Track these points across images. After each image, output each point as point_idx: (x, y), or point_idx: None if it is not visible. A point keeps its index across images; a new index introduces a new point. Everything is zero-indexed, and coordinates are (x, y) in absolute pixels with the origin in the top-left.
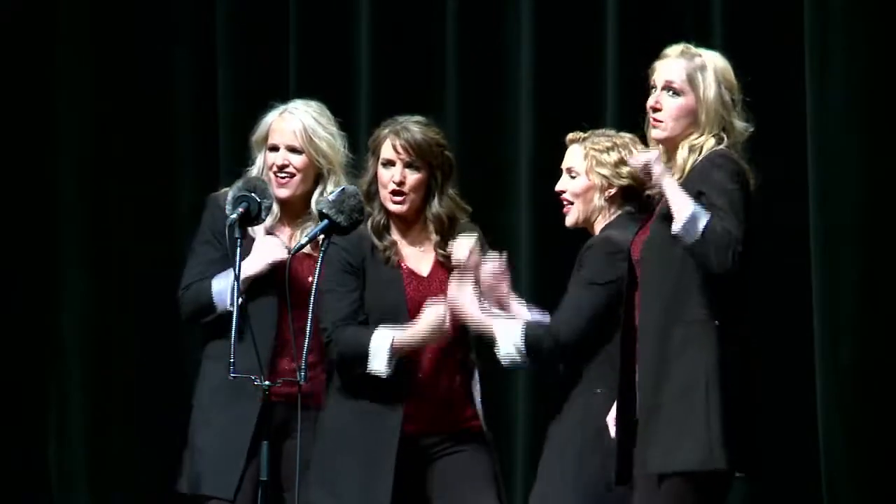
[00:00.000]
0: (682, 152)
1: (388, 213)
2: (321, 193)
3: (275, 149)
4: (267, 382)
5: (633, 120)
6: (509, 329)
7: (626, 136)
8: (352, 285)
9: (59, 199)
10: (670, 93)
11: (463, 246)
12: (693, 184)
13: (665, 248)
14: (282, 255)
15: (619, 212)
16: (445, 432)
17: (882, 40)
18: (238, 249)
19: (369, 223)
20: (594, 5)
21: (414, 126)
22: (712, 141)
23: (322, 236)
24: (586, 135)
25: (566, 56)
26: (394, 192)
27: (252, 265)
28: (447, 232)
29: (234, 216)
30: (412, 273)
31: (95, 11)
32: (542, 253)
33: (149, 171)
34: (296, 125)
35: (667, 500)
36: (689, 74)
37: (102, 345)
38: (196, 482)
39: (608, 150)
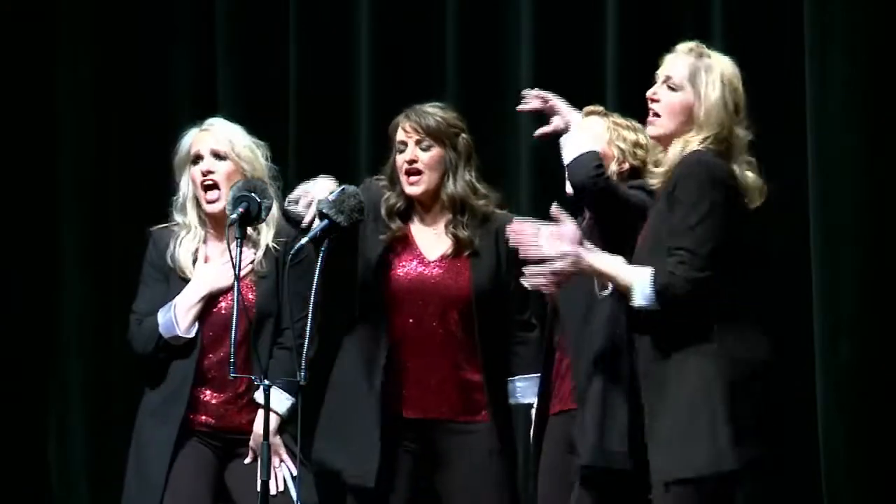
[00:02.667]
0: (673, 149)
1: (407, 198)
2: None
3: (199, 158)
4: (267, 382)
5: (634, 119)
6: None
7: (637, 123)
8: None
9: (59, 199)
10: (668, 87)
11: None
12: (668, 191)
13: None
14: (226, 283)
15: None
16: (452, 421)
17: (882, 40)
18: (239, 250)
19: (387, 201)
20: (594, 5)
21: (428, 108)
22: (707, 142)
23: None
24: (604, 111)
25: (566, 56)
26: (408, 172)
27: (192, 294)
28: (462, 215)
29: (235, 216)
30: (419, 256)
31: (95, 11)
32: None
33: (149, 171)
34: (217, 133)
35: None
36: (691, 72)
37: (102, 345)
38: None
39: (628, 128)
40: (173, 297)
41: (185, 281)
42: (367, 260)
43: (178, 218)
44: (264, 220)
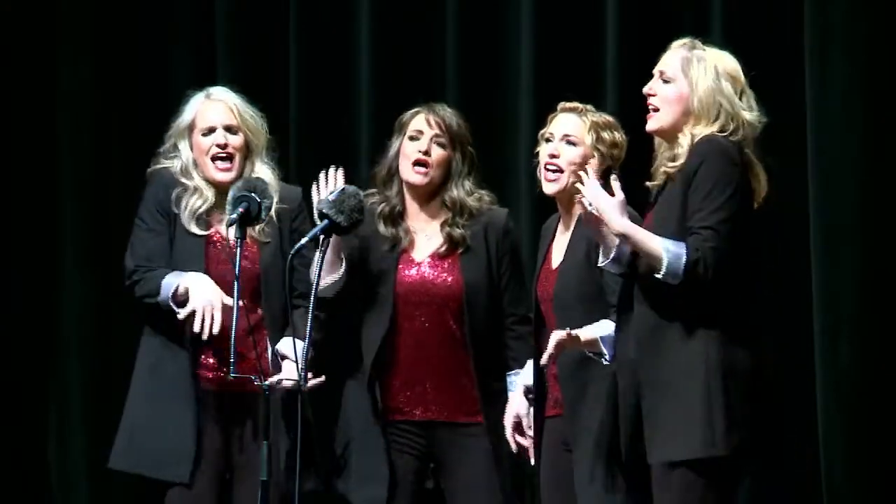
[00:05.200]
0: (683, 140)
1: (403, 197)
2: (250, 173)
3: (211, 131)
4: (266, 382)
5: (633, 119)
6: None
7: (612, 118)
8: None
9: (59, 200)
10: (663, 80)
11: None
12: (687, 172)
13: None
14: (222, 301)
15: None
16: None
17: (882, 40)
18: (240, 250)
19: (382, 207)
20: (594, 5)
21: (448, 108)
22: (713, 129)
23: (322, 236)
24: (581, 107)
25: (566, 55)
26: (417, 162)
27: (191, 300)
28: (461, 216)
29: (235, 216)
30: (408, 257)
31: (95, 11)
32: None
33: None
34: (229, 104)
35: (676, 488)
36: (682, 63)
37: (102, 345)
38: (146, 464)
39: (607, 126)
40: (177, 248)
41: (194, 236)
42: (364, 263)
43: (182, 179)
44: (264, 219)
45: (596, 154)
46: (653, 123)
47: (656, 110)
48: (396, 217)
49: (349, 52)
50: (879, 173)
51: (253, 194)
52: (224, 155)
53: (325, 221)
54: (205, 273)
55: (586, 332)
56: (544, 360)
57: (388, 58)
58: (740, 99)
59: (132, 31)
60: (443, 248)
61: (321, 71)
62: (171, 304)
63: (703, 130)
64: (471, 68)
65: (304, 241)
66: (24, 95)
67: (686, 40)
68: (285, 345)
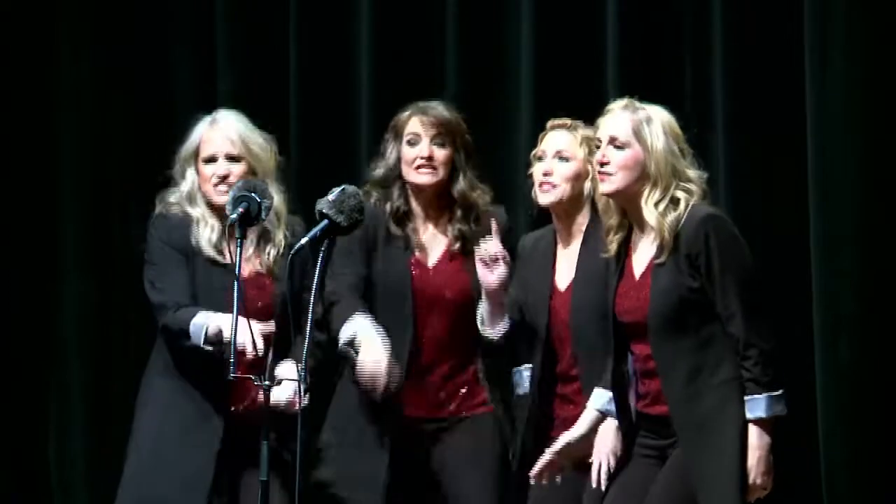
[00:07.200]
0: (651, 213)
1: (407, 199)
2: None
3: (213, 160)
4: (267, 382)
5: None
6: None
7: None
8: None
9: (59, 199)
10: (616, 147)
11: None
12: (686, 250)
13: (678, 312)
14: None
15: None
16: (449, 417)
17: (882, 41)
18: (240, 250)
19: (388, 208)
20: (594, 5)
21: (438, 105)
22: (681, 194)
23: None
24: (570, 122)
25: (566, 56)
26: (421, 167)
27: (221, 324)
28: (469, 211)
29: (235, 216)
30: (418, 261)
31: (95, 11)
32: None
33: (149, 171)
34: (231, 133)
35: None
36: (634, 127)
37: (102, 345)
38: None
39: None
40: (202, 281)
41: (215, 264)
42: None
43: (187, 209)
44: (264, 219)
45: (590, 168)
46: (608, 186)
47: (609, 174)
48: (402, 218)
49: (349, 52)
50: (879, 174)
51: (253, 194)
52: (225, 186)
53: (325, 221)
54: (223, 302)
55: (585, 418)
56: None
57: (388, 58)
58: (683, 156)
59: (132, 31)
60: (455, 248)
61: (321, 71)
62: (203, 345)
63: (668, 195)
64: (471, 68)
65: (303, 241)
66: (24, 95)
67: (625, 101)
68: (285, 369)
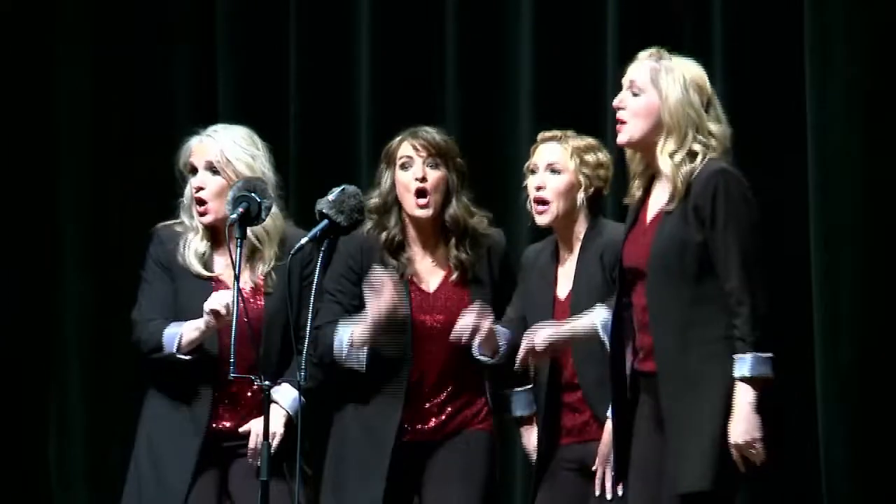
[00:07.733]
0: (666, 163)
1: (403, 227)
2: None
3: (194, 170)
4: (267, 382)
5: None
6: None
7: (593, 140)
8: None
9: (59, 199)
10: (633, 92)
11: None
12: (694, 201)
13: (677, 259)
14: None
15: (595, 215)
16: (446, 435)
17: (882, 40)
18: (240, 250)
19: (383, 237)
20: (594, 5)
21: (429, 129)
22: (699, 147)
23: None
24: (560, 134)
25: (566, 56)
26: (418, 193)
27: (200, 322)
28: (463, 237)
29: (235, 216)
30: (418, 289)
31: (94, 12)
32: None
33: (149, 171)
34: (215, 146)
35: None
36: (652, 75)
37: (102, 345)
38: None
39: (589, 149)
40: (186, 296)
41: (200, 278)
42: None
43: (184, 219)
44: (264, 219)
45: (582, 178)
46: (623, 136)
47: (623, 122)
48: (398, 248)
49: (349, 53)
50: (879, 173)
51: (253, 194)
52: (199, 198)
53: (325, 221)
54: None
55: (581, 323)
56: (520, 357)
57: (388, 58)
58: (707, 111)
59: (131, 32)
60: (454, 277)
61: (321, 71)
62: (178, 354)
63: (684, 147)
64: (471, 68)
65: (303, 241)
66: (23, 96)
67: (653, 50)
68: (279, 394)
